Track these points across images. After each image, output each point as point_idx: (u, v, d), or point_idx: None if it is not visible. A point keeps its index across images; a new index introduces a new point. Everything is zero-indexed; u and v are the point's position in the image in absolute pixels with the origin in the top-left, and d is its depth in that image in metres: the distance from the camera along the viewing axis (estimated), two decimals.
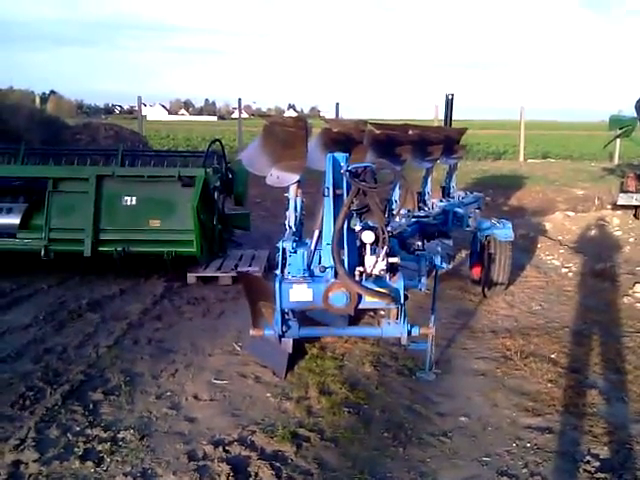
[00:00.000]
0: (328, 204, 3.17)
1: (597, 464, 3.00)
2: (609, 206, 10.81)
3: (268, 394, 3.74)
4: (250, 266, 6.45)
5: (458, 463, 3.05)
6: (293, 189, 4.04)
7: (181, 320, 5.12)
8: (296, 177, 3.91)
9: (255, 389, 3.82)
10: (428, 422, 3.45)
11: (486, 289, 5.69)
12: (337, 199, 3.17)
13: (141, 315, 5.16)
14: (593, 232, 8.74)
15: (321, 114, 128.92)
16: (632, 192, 9.49)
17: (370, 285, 3.08)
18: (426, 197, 6.31)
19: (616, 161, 16.62)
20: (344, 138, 4.73)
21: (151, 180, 6.04)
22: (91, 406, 3.55)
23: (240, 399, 3.68)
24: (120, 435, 3.24)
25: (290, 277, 3.25)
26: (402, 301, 3.13)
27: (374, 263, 3.09)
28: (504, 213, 10.01)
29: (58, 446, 3.11)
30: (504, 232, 5.49)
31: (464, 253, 7.24)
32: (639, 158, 17.20)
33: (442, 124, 8.97)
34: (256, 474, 2.90)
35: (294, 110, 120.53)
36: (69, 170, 6.16)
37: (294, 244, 3.57)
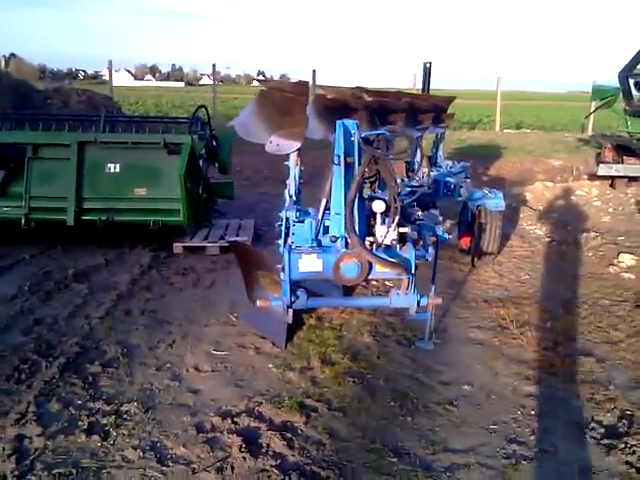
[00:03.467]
0: (338, 172, 3.10)
1: (602, 430, 3.06)
2: (585, 176, 10.97)
3: (270, 365, 3.71)
4: (237, 236, 6.36)
5: (466, 431, 3.07)
6: (294, 157, 3.96)
7: (172, 291, 5.03)
8: (297, 145, 3.81)
9: (256, 360, 3.78)
10: (432, 391, 3.47)
11: (475, 259, 5.72)
12: (347, 167, 3.10)
13: (130, 286, 5.05)
14: (573, 202, 8.85)
15: (292, 81, 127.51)
16: (609, 163, 9.62)
17: (382, 255, 3.04)
18: (415, 166, 6.27)
19: (589, 132, 16.80)
20: (339, 105, 4.63)
21: (135, 147, 5.86)
22: (90, 379, 3.47)
23: (242, 370, 3.64)
24: (124, 408, 3.17)
25: (299, 247, 3.18)
26: (413, 271, 3.11)
27: (385, 233, 3.05)
28: (484, 183, 10.04)
29: (61, 420, 3.04)
30: (495, 202, 5.51)
31: (448, 223, 7.26)
32: (611, 129, 17.45)
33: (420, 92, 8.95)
34: (268, 445, 2.88)
35: (263, 77, 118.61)
36: (50, 136, 5.93)
37: (297, 213, 3.50)
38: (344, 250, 2.99)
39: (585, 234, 6.96)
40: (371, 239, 3.07)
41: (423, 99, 6.29)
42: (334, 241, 3.03)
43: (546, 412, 3.25)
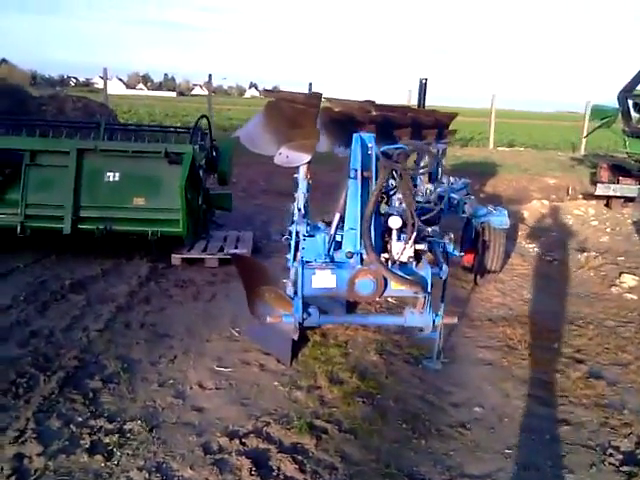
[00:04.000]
0: (355, 187, 3.02)
1: (620, 457, 2.99)
2: (581, 196, 11.00)
3: (276, 382, 3.61)
4: (236, 248, 6.26)
5: (482, 456, 2.99)
6: (303, 170, 3.89)
7: (171, 303, 4.91)
8: (308, 157, 3.75)
9: (261, 377, 3.68)
10: (444, 413, 3.38)
11: (478, 276, 5.66)
12: (363, 182, 3.03)
13: (128, 298, 4.93)
14: (571, 221, 8.85)
15: None
16: (606, 183, 9.66)
17: (399, 273, 2.97)
18: (418, 182, 6.21)
19: (582, 151, 16.92)
20: (346, 119, 4.58)
21: (136, 156, 5.76)
22: (90, 395, 3.35)
23: (247, 388, 3.54)
24: (127, 426, 3.06)
25: (312, 262, 3.10)
26: (429, 289, 3.03)
27: (402, 250, 2.98)
28: (481, 200, 10.03)
29: (62, 438, 2.91)
30: (500, 219, 5.46)
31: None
32: (604, 149, 17.59)
33: None
34: (278, 468, 2.77)
35: (256, 89, 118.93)
36: (48, 142, 5.82)
37: (308, 227, 3.42)
38: (359, 266, 2.91)
39: (585, 254, 6.93)
40: (386, 255, 2.99)
41: (426, 115, 6.25)
42: (350, 257, 2.94)
43: (561, 437, 3.17)
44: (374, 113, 4.62)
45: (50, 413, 3.13)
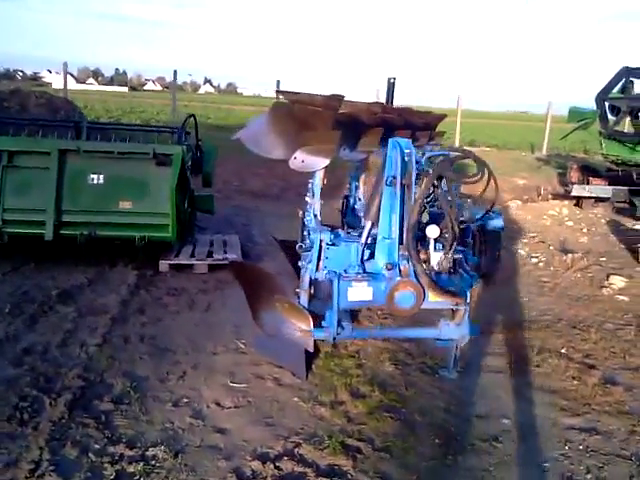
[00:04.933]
0: (391, 194, 2.90)
1: None
2: (550, 196, 11.19)
3: (295, 398, 3.46)
4: (225, 253, 6.07)
5: (521, 471, 2.93)
6: (320, 175, 3.74)
7: (167, 314, 4.70)
8: (326, 162, 3.61)
9: (279, 393, 3.53)
10: (471, 426, 3.31)
11: (482, 281, 5.62)
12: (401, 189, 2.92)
13: (121, 308, 4.70)
14: (548, 222, 8.96)
15: (238, 90, 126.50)
16: (576, 183, 9.84)
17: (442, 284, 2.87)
18: None
19: (544, 151, 17.24)
20: (352, 121, 4.45)
21: (121, 157, 5.49)
22: (103, 418, 3.14)
23: (267, 405, 3.38)
24: (150, 452, 2.86)
25: (349, 274, 2.96)
26: (468, 300, 2.94)
27: (441, 259, 2.88)
28: None
29: (82, 469, 2.70)
30: (496, 222, 5.42)
31: None
32: (566, 150, 17.99)
33: None
34: None
35: (211, 85, 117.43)
36: (27, 143, 5.49)
37: (332, 236, 3.29)
38: (398, 278, 2.79)
39: (570, 255, 7.00)
40: (423, 266, 2.88)
41: (419, 116, 6.18)
42: (390, 269, 2.82)
43: (594, 447, 3.14)
44: (381, 115, 4.50)
45: (63, 440, 2.90)
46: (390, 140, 2.95)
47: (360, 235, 3.49)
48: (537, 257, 7.04)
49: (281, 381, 3.66)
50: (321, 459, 2.89)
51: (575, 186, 9.28)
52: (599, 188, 9.12)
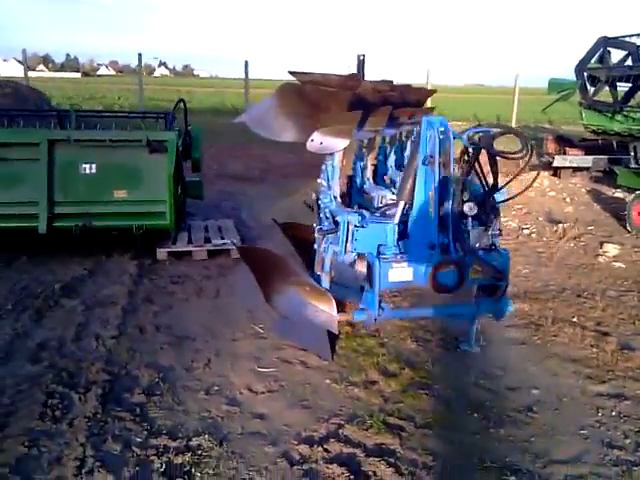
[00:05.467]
0: (427, 173, 2.88)
1: None
2: (527, 167, 11.29)
3: (327, 380, 3.45)
4: (223, 238, 5.99)
5: (561, 439, 2.97)
6: (339, 156, 3.69)
7: (176, 302, 4.61)
8: (345, 143, 3.56)
9: (309, 375, 3.51)
10: (504, 398, 3.34)
11: None
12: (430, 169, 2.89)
13: (129, 298, 4.60)
14: (532, 193, 9.06)
15: (195, 72, 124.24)
16: (553, 154, 9.99)
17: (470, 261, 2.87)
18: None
19: (513, 124, 17.42)
20: (360, 100, 4.40)
21: (113, 145, 5.33)
22: (137, 410, 3.07)
23: (300, 388, 3.36)
24: (194, 442, 2.82)
25: (387, 255, 2.93)
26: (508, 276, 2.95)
27: (481, 236, 2.88)
28: None
29: (130, 463, 2.65)
30: (500, 196, 5.46)
31: None
32: (535, 122, 18.24)
33: None
34: (375, 473, 2.64)
35: (165, 67, 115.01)
36: (15, 133, 5.29)
37: (359, 218, 3.26)
38: (440, 257, 2.78)
39: (561, 225, 7.11)
40: (451, 242, 2.87)
41: (414, 92, 6.15)
42: (433, 248, 2.81)
43: (626, 412, 3.21)
44: (390, 93, 4.45)
45: (103, 435, 2.84)
46: (423, 119, 2.92)
47: (384, 215, 3.48)
48: (528, 228, 7.15)
49: (308, 364, 3.64)
50: (367, 439, 2.88)
51: (556, 157, 9.42)
52: (580, 158, 9.28)
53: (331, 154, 3.70)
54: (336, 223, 3.58)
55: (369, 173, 4.53)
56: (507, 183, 3.29)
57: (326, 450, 2.78)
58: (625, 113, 8.54)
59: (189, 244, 5.80)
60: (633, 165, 7.94)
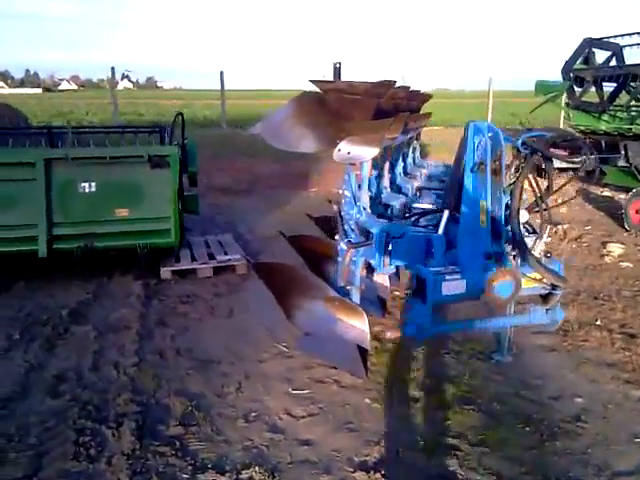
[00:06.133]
0: (479, 181, 2.78)
1: None
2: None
3: (367, 400, 3.33)
4: (226, 254, 5.83)
5: (617, 449, 2.90)
6: (368, 166, 3.58)
7: (191, 323, 4.44)
8: (375, 152, 3.45)
9: (347, 395, 3.38)
10: (550, 409, 3.26)
11: None
12: (478, 176, 2.81)
13: (141, 321, 4.41)
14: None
15: (158, 84, 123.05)
16: None
17: (527, 270, 2.79)
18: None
19: None
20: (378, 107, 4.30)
21: (112, 162, 5.14)
22: (177, 444, 2.91)
23: (341, 410, 3.23)
24: (244, 476, 2.67)
25: (437, 268, 2.83)
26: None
27: (536, 244, 2.80)
28: None
29: None
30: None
31: None
32: (515, 124, 18.42)
33: None
34: None
35: (129, 80, 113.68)
36: (9, 154, 5.05)
37: (398, 229, 3.16)
38: (496, 268, 2.69)
39: (560, 226, 7.12)
40: (513, 252, 2.79)
41: (415, 98, 6.09)
42: (488, 258, 2.72)
43: None
44: (400, 99, 4.38)
45: (147, 474, 2.67)
46: (470, 125, 2.83)
47: (416, 225, 3.38)
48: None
49: (342, 383, 3.52)
50: (424, 461, 2.77)
51: None
52: (570, 159, 9.30)
53: (358, 164, 3.59)
54: (367, 235, 3.48)
55: (386, 182, 4.44)
56: (562, 186, 3.21)
57: (384, 476, 2.66)
58: (611, 112, 8.63)
59: (193, 261, 5.62)
60: (623, 164, 8.01)
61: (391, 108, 4.37)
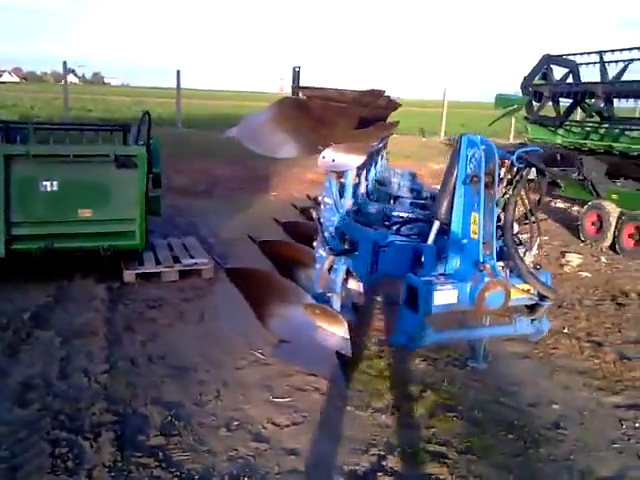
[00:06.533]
0: (471, 193, 2.80)
1: None
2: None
3: (349, 407, 3.30)
4: (192, 257, 5.69)
5: (598, 455, 2.98)
6: (352, 174, 3.56)
7: (160, 329, 4.31)
8: (361, 160, 3.45)
9: (329, 404, 3.34)
10: (529, 415, 3.32)
11: None
12: (469, 189, 2.83)
13: (108, 327, 4.25)
14: None
15: (105, 80, 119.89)
16: None
17: (516, 281, 2.82)
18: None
19: (442, 136, 17.93)
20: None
21: (76, 160, 4.95)
22: (160, 454, 2.80)
23: (325, 418, 3.19)
24: None
25: (429, 278, 2.83)
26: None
27: (523, 256, 2.83)
28: None
29: None
30: None
31: None
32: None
33: None
34: None
35: (75, 75, 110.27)
36: None
37: (386, 238, 3.16)
38: (487, 279, 2.71)
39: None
40: (501, 263, 2.82)
41: (387, 107, 6.13)
42: (482, 270, 2.73)
43: None
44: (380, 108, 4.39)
45: None
46: (463, 137, 2.86)
47: (398, 233, 3.39)
48: None
49: (323, 390, 3.48)
50: (414, 470, 2.77)
51: (503, 170, 9.66)
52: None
53: (341, 172, 3.57)
54: (351, 243, 3.46)
55: (362, 189, 4.44)
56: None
57: None
58: (567, 127, 8.93)
59: (158, 265, 5.46)
60: (577, 177, 8.28)
61: (371, 116, 4.38)
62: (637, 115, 10.07)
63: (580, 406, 3.43)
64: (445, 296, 2.72)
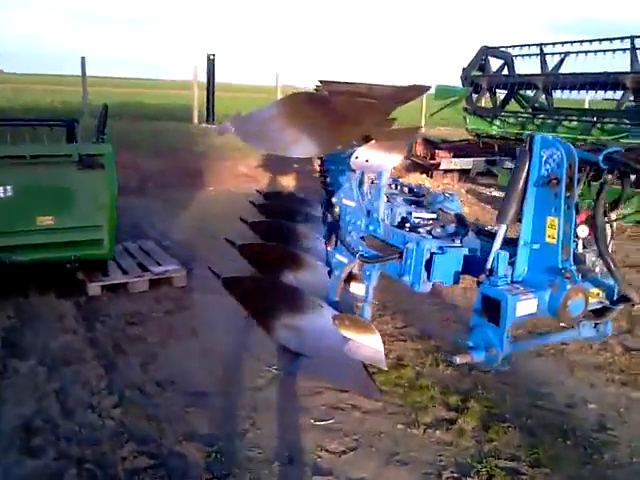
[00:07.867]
0: (545, 195, 2.65)
1: None
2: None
3: (399, 426, 3.10)
4: (159, 265, 5.24)
5: None
6: (387, 175, 3.34)
7: (153, 348, 3.89)
8: (398, 160, 3.24)
9: (374, 422, 3.13)
10: (572, 417, 3.28)
11: None
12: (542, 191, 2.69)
13: (96, 351, 3.79)
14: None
15: None
16: (421, 156, 10.48)
17: (588, 285, 2.73)
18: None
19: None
20: None
21: (34, 162, 4.36)
22: None
23: (379, 440, 2.98)
24: None
25: (509, 287, 2.65)
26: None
27: (597, 260, 2.74)
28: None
29: None
30: (455, 204, 5.46)
31: None
32: None
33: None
34: None
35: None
36: None
37: (438, 243, 2.98)
38: (569, 286, 2.58)
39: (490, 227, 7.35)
40: (574, 267, 2.71)
41: None
42: (563, 276, 2.60)
43: None
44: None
45: None
46: (537, 137, 2.70)
47: (439, 237, 3.23)
48: None
49: (362, 408, 3.26)
50: None
51: (443, 160, 9.81)
52: (464, 161, 9.76)
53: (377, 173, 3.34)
54: (384, 249, 3.25)
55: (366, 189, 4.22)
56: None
57: None
58: (502, 118, 9.17)
59: (125, 274, 4.97)
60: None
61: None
62: (586, 107, 10.50)
63: (614, 403, 3.44)
64: (527, 306, 2.58)
